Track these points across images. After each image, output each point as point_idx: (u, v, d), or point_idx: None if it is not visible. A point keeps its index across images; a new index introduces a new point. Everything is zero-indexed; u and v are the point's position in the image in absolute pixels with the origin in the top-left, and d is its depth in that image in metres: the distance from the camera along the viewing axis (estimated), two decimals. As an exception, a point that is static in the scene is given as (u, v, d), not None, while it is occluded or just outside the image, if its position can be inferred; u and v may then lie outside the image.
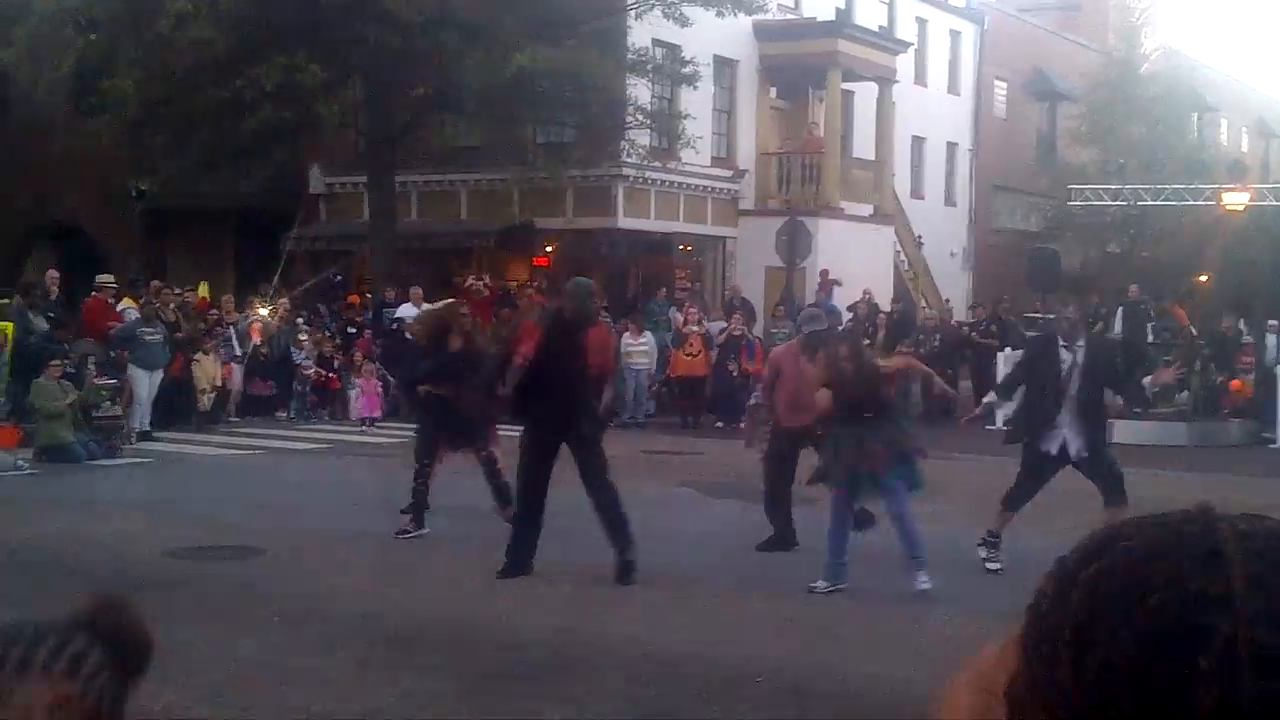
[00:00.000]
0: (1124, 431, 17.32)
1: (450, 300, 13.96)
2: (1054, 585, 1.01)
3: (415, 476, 12.03)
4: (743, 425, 14.19)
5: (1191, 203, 25.83)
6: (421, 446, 12.26)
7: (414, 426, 13.34)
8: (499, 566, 10.19)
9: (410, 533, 11.88)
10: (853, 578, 10.02)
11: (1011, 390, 12.11)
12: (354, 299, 26.61)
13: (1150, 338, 23.51)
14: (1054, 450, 10.93)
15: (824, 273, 27.43)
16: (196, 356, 20.52)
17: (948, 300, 32.69)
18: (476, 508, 12.56)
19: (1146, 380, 13.18)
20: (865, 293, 26.98)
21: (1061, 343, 11.26)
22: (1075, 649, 0.95)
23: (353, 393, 22.50)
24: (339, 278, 28.10)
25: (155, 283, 22.64)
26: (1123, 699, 0.92)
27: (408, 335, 16.14)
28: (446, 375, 12.08)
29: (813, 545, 11.59)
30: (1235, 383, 23.04)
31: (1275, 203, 24.19)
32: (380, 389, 22.44)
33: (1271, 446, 21.45)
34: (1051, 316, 24.22)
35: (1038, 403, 11.33)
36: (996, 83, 40.47)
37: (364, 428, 21.37)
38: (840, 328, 18.42)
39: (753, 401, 13.28)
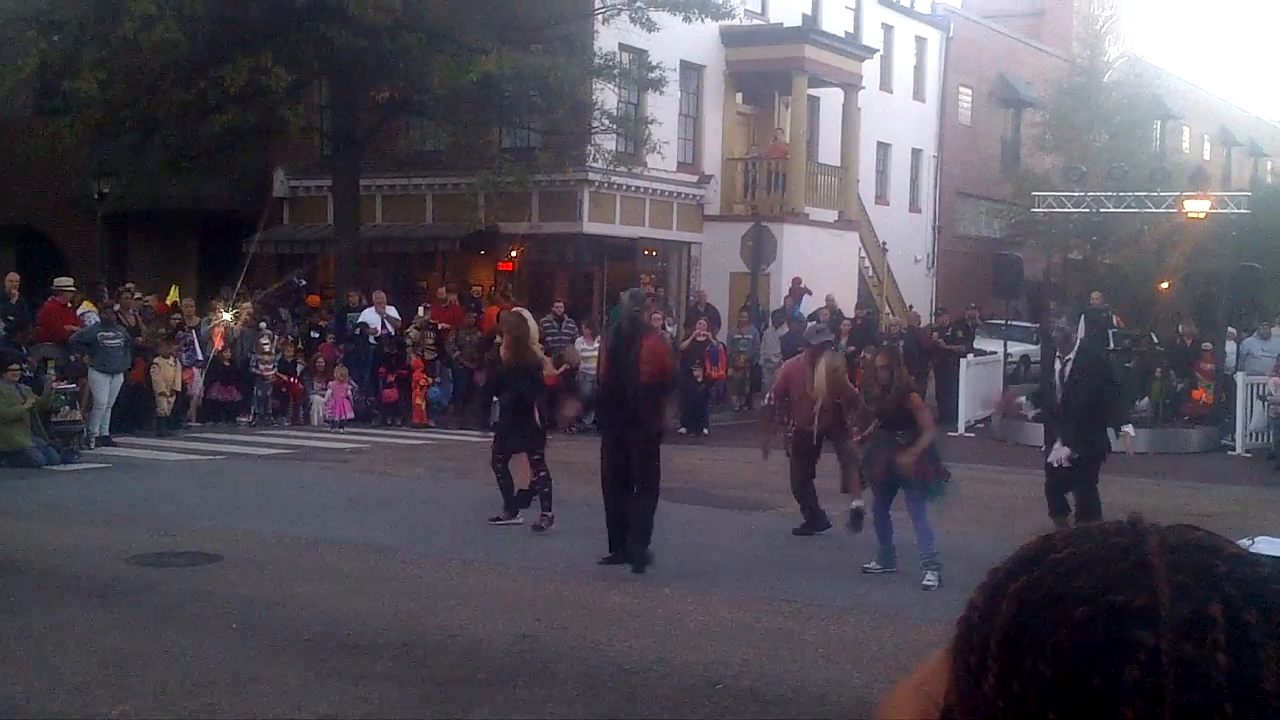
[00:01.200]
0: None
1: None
2: (984, 597, 1.00)
3: (495, 472, 12.69)
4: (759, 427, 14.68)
5: (1153, 210, 25.91)
6: (495, 449, 12.90)
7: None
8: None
9: (503, 520, 12.54)
10: (900, 568, 10.63)
11: (1038, 399, 12.07)
12: (313, 300, 26.48)
13: (1111, 345, 23.62)
14: (1051, 460, 11.05)
15: (796, 280, 27.48)
16: (156, 361, 20.35)
17: (911, 306, 32.81)
18: (438, 516, 12.54)
19: None
20: (828, 299, 27.03)
21: (1057, 354, 11.28)
22: (1002, 661, 0.95)
23: (317, 397, 22.44)
24: (303, 282, 27.96)
25: (129, 285, 22.43)
26: (1047, 711, 0.92)
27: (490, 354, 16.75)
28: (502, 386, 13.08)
29: (780, 552, 11.61)
30: (1196, 392, 23.19)
31: (1236, 210, 24.31)
32: (349, 392, 22.39)
33: (1231, 453, 21.61)
34: (1033, 326, 24.33)
35: (1045, 413, 11.48)
36: (961, 89, 40.68)
37: (334, 430, 21.37)
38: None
39: (765, 402, 13.76)
